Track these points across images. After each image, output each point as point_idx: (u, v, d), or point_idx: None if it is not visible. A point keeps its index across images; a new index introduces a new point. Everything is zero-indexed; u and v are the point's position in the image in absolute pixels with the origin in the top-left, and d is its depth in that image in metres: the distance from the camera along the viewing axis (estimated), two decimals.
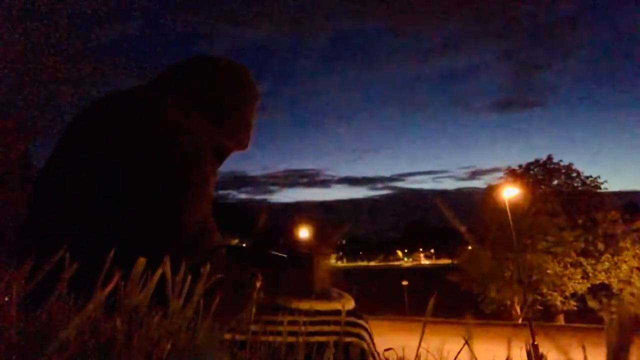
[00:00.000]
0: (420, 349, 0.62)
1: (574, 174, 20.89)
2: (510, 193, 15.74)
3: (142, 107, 0.86)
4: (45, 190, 0.84)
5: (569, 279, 18.27)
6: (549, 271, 18.23)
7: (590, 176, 20.62)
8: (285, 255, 0.87)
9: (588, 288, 18.31)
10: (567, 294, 18.39)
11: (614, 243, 18.23)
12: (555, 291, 18.51)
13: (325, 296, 0.81)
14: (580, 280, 18.27)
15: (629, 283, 17.55)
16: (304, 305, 0.73)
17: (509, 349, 0.46)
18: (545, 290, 18.58)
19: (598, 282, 18.13)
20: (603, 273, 18.07)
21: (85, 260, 0.50)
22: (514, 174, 21.37)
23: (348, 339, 0.76)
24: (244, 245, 1.03)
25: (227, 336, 0.53)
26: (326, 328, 0.72)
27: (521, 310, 19.13)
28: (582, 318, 17.35)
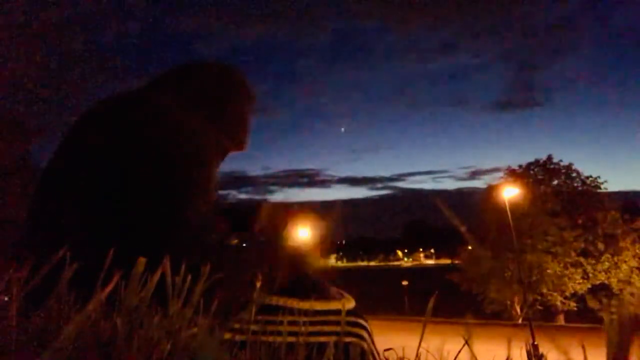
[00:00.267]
0: (420, 349, 0.62)
1: (574, 174, 20.91)
2: (510, 193, 15.75)
3: (142, 108, 0.87)
4: (46, 190, 0.84)
5: (569, 279, 18.28)
6: (549, 271, 18.23)
7: (590, 176, 20.65)
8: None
9: (588, 288, 18.32)
10: (567, 294, 18.40)
11: (614, 243, 18.23)
12: (555, 291, 18.52)
13: (325, 296, 0.81)
14: (580, 281, 18.28)
15: (629, 283, 17.55)
16: (304, 304, 0.73)
17: (509, 349, 0.46)
18: (545, 290, 18.58)
19: (598, 282, 18.13)
20: (603, 273, 18.08)
21: (87, 260, 0.50)
22: (514, 174, 21.38)
23: (348, 339, 0.76)
24: (244, 245, 1.03)
25: (227, 336, 0.53)
26: (326, 328, 0.72)
27: (521, 310, 19.13)
28: (582, 318, 17.36)
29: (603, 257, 18.16)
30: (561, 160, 21.24)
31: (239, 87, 1.08)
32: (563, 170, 21.11)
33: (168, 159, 0.80)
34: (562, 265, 18.42)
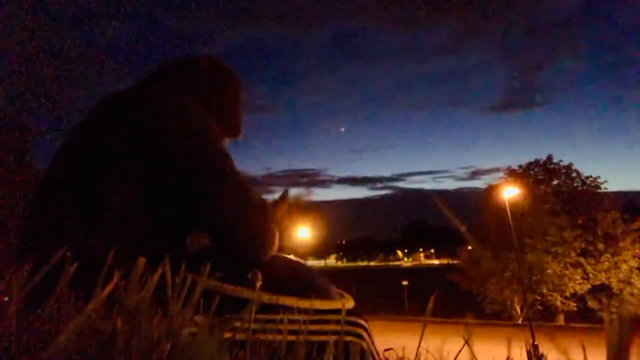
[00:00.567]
0: (420, 349, 0.62)
1: (574, 174, 20.90)
2: (510, 193, 15.75)
3: (158, 102, 0.88)
4: (53, 187, 0.85)
5: (569, 279, 18.27)
6: (549, 271, 18.23)
7: (590, 176, 20.64)
8: None
9: (588, 288, 18.32)
10: (567, 294, 18.39)
11: (614, 243, 18.22)
12: (555, 291, 18.51)
13: (325, 295, 0.81)
14: (580, 281, 18.27)
15: (629, 283, 17.54)
16: (304, 303, 0.73)
17: (509, 349, 0.46)
18: (545, 290, 18.58)
19: (598, 282, 18.13)
20: (603, 273, 18.07)
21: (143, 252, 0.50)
22: (514, 174, 21.38)
23: (348, 338, 0.76)
24: None
25: (228, 335, 0.53)
26: (326, 327, 0.72)
27: (521, 310, 19.13)
28: (582, 318, 17.36)
29: (603, 257, 18.16)
30: (561, 160, 21.26)
31: (228, 77, 1.11)
32: (563, 170, 21.11)
33: (198, 149, 0.83)
34: (562, 265, 18.41)
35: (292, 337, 0.60)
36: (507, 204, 15.14)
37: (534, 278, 18.57)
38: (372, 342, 0.81)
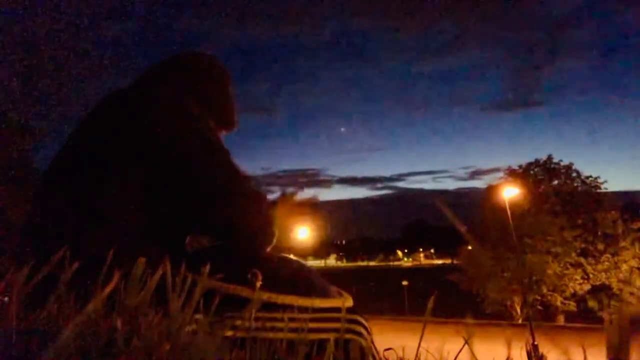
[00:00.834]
0: (420, 349, 0.62)
1: (574, 174, 20.90)
2: (510, 193, 15.74)
3: (157, 100, 0.88)
4: (54, 188, 0.85)
5: (569, 279, 18.27)
6: (549, 271, 18.22)
7: (590, 176, 20.64)
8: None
9: (588, 289, 18.31)
10: (567, 294, 18.39)
11: (614, 243, 18.22)
12: (555, 291, 18.51)
13: (324, 293, 0.81)
14: (581, 281, 18.27)
15: (629, 283, 17.54)
16: (304, 302, 0.73)
17: (509, 349, 0.46)
18: (545, 290, 18.58)
19: (598, 282, 18.12)
20: (603, 273, 18.07)
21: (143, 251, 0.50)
22: (514, 174, 21.37)
23: (348, 336, 0.76)
24: None
25: (229, 333, 0.54)
26: (326, 325, 0.72)
27: (521, 310, 19.13)
28: (582, 318, 17.36)
29: (603, 257, 18.15)
30: (561, 160, 21.26)
31: (217, 70, 1.11)
32: (563, 170, 21.10)
33: (198, 148, 0.83)
34: (562, 265, 18.41)
35: (292, 335, 0.60)
36: (507, 204, 15.13)
37: (534, 278, 18.56)
38: (372, 340, 0.81)
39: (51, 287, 0.48)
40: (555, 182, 21.05)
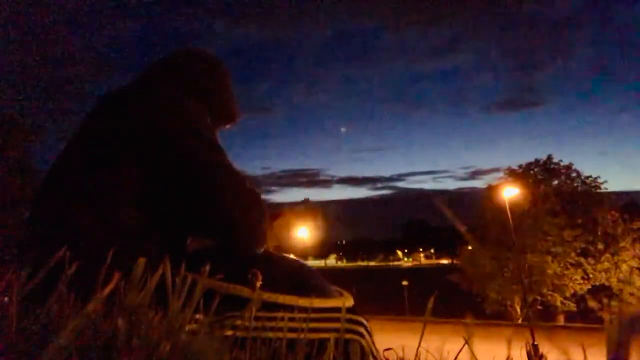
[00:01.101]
0: (420, 349, 0.62)
1: (574, 174, 20.92)
2: (510, 193, 15.75)
3: (156, 99, 0.88)
4: (54, 188, 0.85)
5: (569, 279, 18.28)
6: (549, 271, 18.23)
7: (590, 176, 20.66)
8: None
9: (588, 289, 18.32)
10: (568, 294, 18.40)
11: (614, 243, 18.23)
12: (555, 291, 18.52)
13: (324, 293, 0.81)
14: (581, 281, 18.28)
15: (629, 283, 17.55)
16: (304, 302, 0.74)
17: (509, 349, 0.46)
18: (545, 290, 18.59)
19: (598, 282, 18.13)
20: (603, 273, 18.07)
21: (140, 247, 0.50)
22: (514, 174, 21.39)
23: (348, 336, 0.76)
24: None
25: (228, 333, 0.54)
26: (326, 325, 0.72)
27: (521, 310, 19.14)
28: (582, 318, 17.36)
29: (603, 257, 18.16)
30: (561, 160, 21.28)
31: (215, 66, 1.11)
32: (563, 170, 21.12)
33: (194, 148, 0.83)
34: (562, 265, 18.42)
35: (292, 335, 0.60)
36: (507, 204, 15.14)
37: (534, 278, 18.57)
38: (372, 340, 0.81)
39: (51, 287, 0.48)
40: (555, 182, 21.08)
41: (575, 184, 20.76)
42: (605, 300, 17.94)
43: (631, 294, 17.26)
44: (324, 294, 0.81)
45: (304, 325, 0.63)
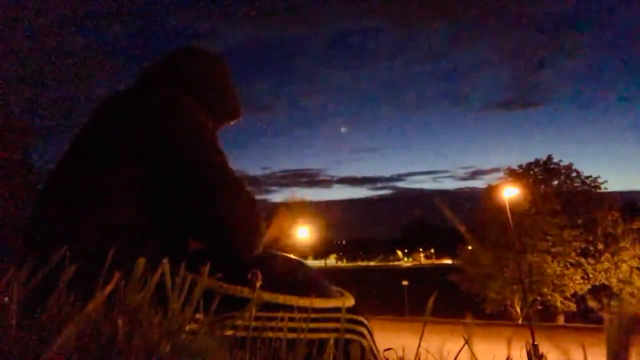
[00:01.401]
0: (420, 349, 0.62)
1: (574, 174, 20.94)
2: (510, 193, 15.75)
3: (158, 101, 0.88)
4: (55, 188, 0.85)
5: (569, 279, 18.29)
6: (549, 271, 18.25)
7: (590, 176, 20.69)
8: None
9: (588, 289, 18.33)
10: (568, 294, 18.41)
11: (614, 243, 18.24)
12: (555, 291, 18.53)
13: (325, 293, 0.81)
14: (581, 281, 18.29)
15: (629, 283, 17.55)
16: (304, 302, 0.74)
17: (509, 349, 0.46)
18: (545, 290, 18.60)
19: (598, 282, 18.14)
20: (603, 273, 18.08)
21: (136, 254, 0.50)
22: (514, 174, 21.40)
23: (348, 336, 0.76)
24: None
25: (229, 333, 0.54)
26: (326, 325, 0.72)
27: (521, 310, 19.14)
28: (582, 318, 17.37)
29: (603, 257, 18.17)
30: (561, 160, 21.31)
31: (215, 65, 1.11)
32: (563, 170, 21.14)
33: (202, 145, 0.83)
34: (562, 265, 18.43)
35: (292, 335, 0.60)
36: (507, 204, 15.14)
37: (534, 278, 18.58)
38: (373, 340, 0.81)
39: (51, 287, 0.48)
40: (555, 182, 21.10)
41: (575, 184, 20.79)
42: (605, 300, 17.95)
43: (631, 294, 17.26)
44: (324, 294, 0.81)
45: (304, 325, 0.63)
